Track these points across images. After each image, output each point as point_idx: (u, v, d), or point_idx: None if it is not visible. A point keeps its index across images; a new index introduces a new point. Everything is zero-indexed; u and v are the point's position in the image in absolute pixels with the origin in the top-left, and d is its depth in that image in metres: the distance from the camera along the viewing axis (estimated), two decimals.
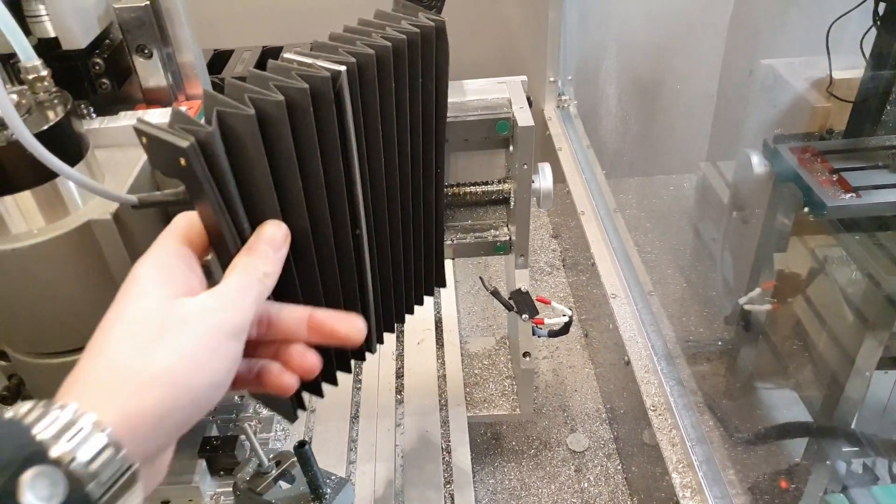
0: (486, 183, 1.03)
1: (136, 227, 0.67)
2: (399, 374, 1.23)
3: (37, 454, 0.33)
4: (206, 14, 1.71)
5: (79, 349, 0.65)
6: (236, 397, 1.12)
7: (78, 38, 0.71)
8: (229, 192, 0.44)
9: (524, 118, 0.93)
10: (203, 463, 0.97)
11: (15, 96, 0.62)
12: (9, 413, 0.35)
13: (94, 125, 0.73)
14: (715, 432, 1.10)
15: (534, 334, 1.05)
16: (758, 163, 1.12)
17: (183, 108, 0.51)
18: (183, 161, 0.41)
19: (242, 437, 0.97)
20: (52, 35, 0.71)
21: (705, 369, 1.31)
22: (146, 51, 0.77)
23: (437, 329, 1.34)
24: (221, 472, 0.99)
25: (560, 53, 1.82)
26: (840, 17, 1.03)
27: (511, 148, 0.98)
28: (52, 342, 0.66)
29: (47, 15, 0.70)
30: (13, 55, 0.64)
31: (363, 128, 0.53)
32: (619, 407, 1.30)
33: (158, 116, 0.74)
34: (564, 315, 1.00)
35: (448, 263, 1.50)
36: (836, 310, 1.10)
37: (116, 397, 0.37)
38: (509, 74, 1.03)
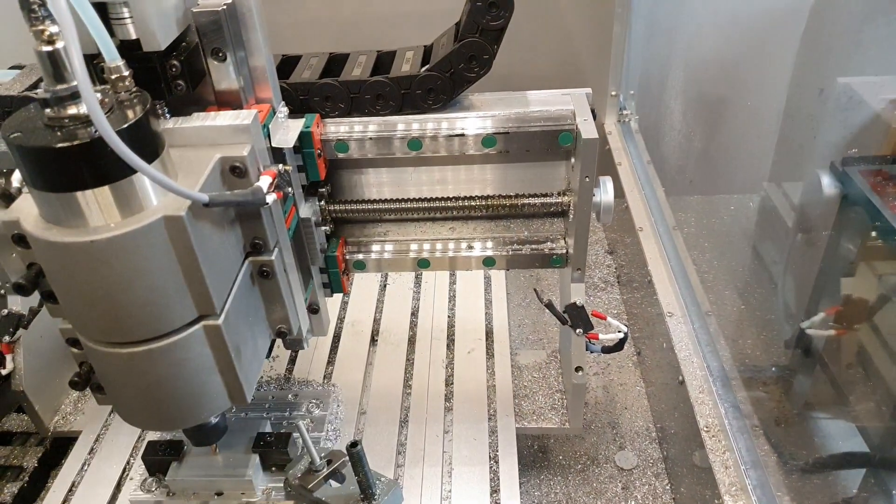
0: (546, 195, 1.03)
1: (206, 224, 0.69)
2: (448, 382, 1.23)
3: None
4: (275, 20, 1.75)
5: (147, 340, 0.68)
6: (290, 396, 1.15)
7: (158, 40, 0.73)
8: None
9: (588, 130, 0.91)
10: (256, 458, 0.99)
11: (99, 95, 0.64)
12: None
13: (168, 125, 0.76)
14: (770, 457, 1.07)
15: (587, 349, 1.03)
16: (828, 184, 1.09)
17: None
18: None
19: (296, 434, 0.99)
20: (134, 37, 0.73)
21: (761, 393, 1.27)
22: (220, 54, 0.79)
23: (487, 339, 1.34)
24: (273, 468, 1.00)
25: (623, 68, 1.80)
26: None
27: (573, 160, 0.98)
28: (123, 332, 0.68)
29: (130, 17, 0.72)
30: (97, 55, 0.67)
31: None
32: (670, 427, 1.28)
33: (230, 119, 0.77)
34: (620, 331, 0.99)
35: (500, 274, 1.50)
36: None
37: None
38: (570, 87, 1.02)
